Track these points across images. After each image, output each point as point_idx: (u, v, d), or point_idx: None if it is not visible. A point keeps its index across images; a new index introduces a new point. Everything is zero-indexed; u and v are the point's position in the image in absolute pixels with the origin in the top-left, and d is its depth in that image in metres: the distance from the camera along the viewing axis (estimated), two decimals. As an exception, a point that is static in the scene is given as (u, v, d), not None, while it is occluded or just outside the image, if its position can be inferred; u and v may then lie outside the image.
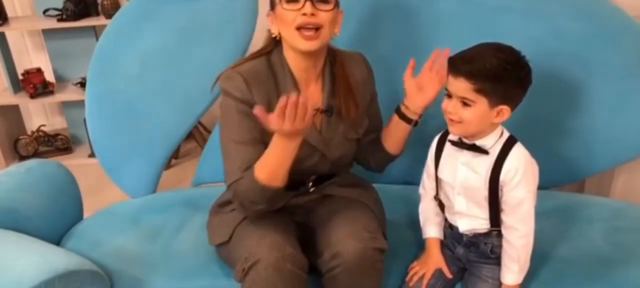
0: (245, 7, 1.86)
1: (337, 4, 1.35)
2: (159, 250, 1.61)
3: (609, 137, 1.71)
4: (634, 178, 1.95)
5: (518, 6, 1.68)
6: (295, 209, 1.51)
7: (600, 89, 1.66)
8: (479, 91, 1.25)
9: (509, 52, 1.27)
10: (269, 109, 1.28)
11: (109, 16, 2.81)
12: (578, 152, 1.73)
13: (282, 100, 1.16)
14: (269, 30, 1.42)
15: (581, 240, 1.56)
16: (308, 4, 1.29)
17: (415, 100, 1.46)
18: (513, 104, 1.29)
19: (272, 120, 1.19)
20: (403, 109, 1.48)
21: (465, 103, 1.27)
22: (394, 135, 1.53)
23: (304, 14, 1.29)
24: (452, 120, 1.31)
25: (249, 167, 1.32)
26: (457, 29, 1.73)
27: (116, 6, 2.80)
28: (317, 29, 1.31)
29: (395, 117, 1.50)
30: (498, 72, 1.24)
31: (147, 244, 1.64)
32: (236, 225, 1.44)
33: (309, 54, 1.37)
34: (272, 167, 1.29)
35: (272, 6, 1.37)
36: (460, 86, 1.26)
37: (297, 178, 1.38)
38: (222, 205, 1.55)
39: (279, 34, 1.37)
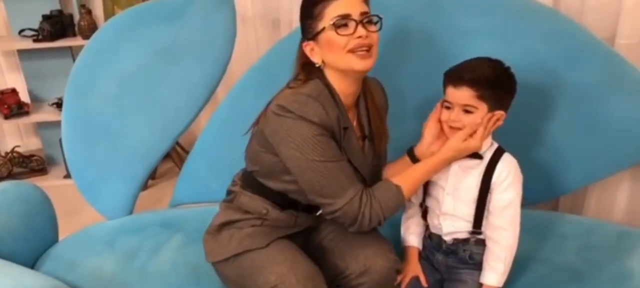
0: (224, 28, 1.87)
1: (380, 25, 1.35)
2: (136, 272, 1.60)
3: (581, 157, 1.74)
4: (606, 197, 1.98)
5: (489, 29, 1.72)
6: (297, 234, 1.50)
7: (572, 109, 1.70)
8: (480, 97, 1.35)
9: (499, 62, 1.39)
10: (339, 135, 1.34)
11: (86, 37, 2.79)
12: (551, 171, 1.76)
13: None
14: (301, 60, 1.39)
15: (555, 256, 1.59)
16: (360, 27, 1.29)
17: (432, 147, 1.46)
18: (506, 110, 1.40)
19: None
20: (417, 153, 1.48)
21: (467, 110, 1.37)
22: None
23: (359, 37, 1.29)
24: (453, 127, 1.40)
25: (356, 178, 1.34)
26: (428, 52, 1.76)
27: (93, 27, 2.79)
28: (369, 49, 1.31)
29: (407, 159, 1.50)
30: (495, 78, 1.35)
31: (124, 266, 1.63)
32: (262, 244, 1.41)
33: (358, 77, 1.37)
34: (420, 182, 1.40)
35: (311, 36, 1.33)
36: (463, 94, 1.36)
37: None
38: (228, 223, 1.47)
39: (323, 61, 1.35)
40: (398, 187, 1.34)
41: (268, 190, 1.44)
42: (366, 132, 1.46)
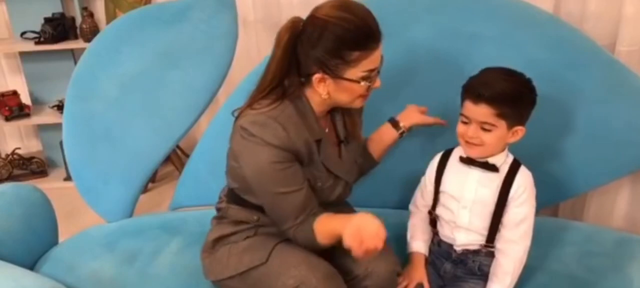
0: (225, 32, 1.87)
1: None
2: (136, 275, 1.60)
3: (581, 162, 1.74)
4: (606, 203, 1.98)
5: (492, 35, 1.72)
6: None
7: (572, 115, 1.70)
8: (500, 115, 1.31)
9: (518, 75, 1.34)
10: (309, 155, 1.33)
11: (87, 40, 2.80)
12: (552, 177, 1.76)
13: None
14: (275, 81, 1.32)
15: (555, 263, 1.59)
16: (378, 78, 1.33)
17: (413, 118, 1.56)
18: (525, 124, 1.37)
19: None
20: (400, 120, 1.56)
21: (485, 128, 1.33)
22: (382, 143, 1.59)
23: (375, 87, 1.33)
24: (470, 143, 1.37)
25: (304, 209, 1.34)
26: (432, 57, 1.76)
27: (95, 30, 2.79)
28: None
29: (387, 126, 1.57)
30: (515, 95, 1.31)
31: (124, 268, 1.62)
32: (263, 258, 1.39)
33: None
34: (334, 234, 1.32)
35: (331, 73, 1.27)
36: (482, 112, 1.31)
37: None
38: (222, 238, 1.47)
39: (328, 94, 1.32)
40: (312, 225, 1.34)
41: (251, 204, 1.43)
42: (342, 136, 1.46)
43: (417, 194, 1.58)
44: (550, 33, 1.73)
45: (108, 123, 1.87)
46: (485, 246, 1.45)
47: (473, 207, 1.43)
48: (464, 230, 1.46)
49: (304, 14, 2.42)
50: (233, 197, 1.47)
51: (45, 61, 2.99)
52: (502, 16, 1.76)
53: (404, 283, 1.49)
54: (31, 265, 1.66)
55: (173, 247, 1.71)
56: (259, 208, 1.42)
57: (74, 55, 3.02)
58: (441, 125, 1.58)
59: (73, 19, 2.94)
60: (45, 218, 1.77)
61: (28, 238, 1.66)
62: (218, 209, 1.53)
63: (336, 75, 1.28)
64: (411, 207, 1.60)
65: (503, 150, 1.41)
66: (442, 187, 1.49)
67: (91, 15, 2.85)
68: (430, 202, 1.53)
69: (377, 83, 1.33)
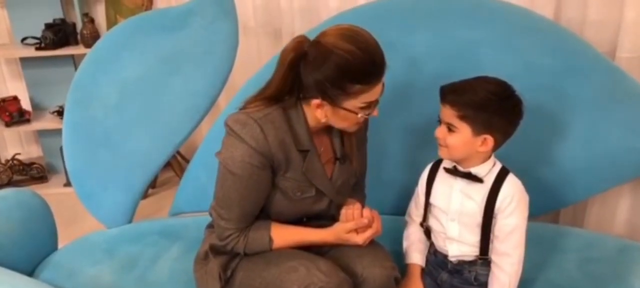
0: (226, 37, 1.87)
1: None
2: (135, 281, 1.60)
3: (582, 169, 1.73)
4: (607, 209, 1.98)
5: (491, 41, 1.72)
6: None
7: (573, 122, 1.70)
8: (462, 118, 1.32)
9: (498, 85, 1.34)
10: (287, 161, 1.33)
11: (88, 45, 2.80)
12: (553, 184, 1.76)
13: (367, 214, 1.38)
14: (277, 89, 1.33)
15: (556, 270, 1.58)
16: (376, 108, 1.33)
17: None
18: (499, 134, 1.35)
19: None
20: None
21: (450, 129, 1.35)
22: None
23: (372, 116, 1.34)
24: (440, 144, 1.39)
25: (249, 217, 1.37)
26: (431, 63, 1.76)
27: (96, 36, 2.80)
28: None
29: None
30: (481, 102, 1.31)
31: (123, 275, 1.62)
32: (257, 264, 1.39)
33: None
34: (293, 244, 1.41)
35: (330, 100, 1.28)
36: (446, 112, 1.34)
37: (297, 220, 1.44)
38: (214, 248, 1.46)
39: (326, 117, 1.32)
40: (271, 241, 1.39)
41: None
42: (338, 154, 1.45)
43: (412, 205, 1.58)
44: (551, 40, 1.73)
45: (108, 129, 1.87)
46: (480, 257, 1.44)
47: (460, 219, 1.42)
48: (456, 242, 1.45)
49: (304, 20, 2.43)
50: None
51: (45, 67, 2.99)
52: (503, 22, 1.76)
53: None
54: (30, 271, 1.66)
55: (173, 252, 1.71)
56: None
57: (75, 60, 3.02)
58: None
59: (74, 25, 2.94)
60: (45, 223, 1.77)
61: (27, 243, 1.66)
62: (210, 214, 1.52)
63: (335, 104, 1.28)
64: (407, 217, 1.59)
65: (485, 160, 1.39)
66: (431, 199, 1.49)
67: (92, 20, 2.86)
68: (421, 212, 1.53)
69: (375, 113, 1.34)
